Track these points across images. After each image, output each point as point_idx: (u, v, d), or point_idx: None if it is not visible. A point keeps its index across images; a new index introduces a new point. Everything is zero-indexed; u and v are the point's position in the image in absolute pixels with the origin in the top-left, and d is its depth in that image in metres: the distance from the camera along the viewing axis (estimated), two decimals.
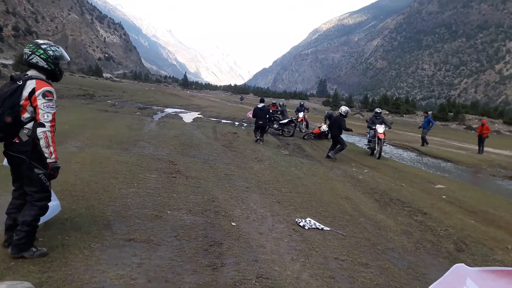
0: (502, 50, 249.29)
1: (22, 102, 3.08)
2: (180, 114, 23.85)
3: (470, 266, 4.27)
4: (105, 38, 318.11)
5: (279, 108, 20.42)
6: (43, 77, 3.23)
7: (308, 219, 5.36)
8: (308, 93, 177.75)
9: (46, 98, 3.08)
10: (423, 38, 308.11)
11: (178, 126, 16.16)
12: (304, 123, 21.35)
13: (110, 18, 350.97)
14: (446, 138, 30.83)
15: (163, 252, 3.71)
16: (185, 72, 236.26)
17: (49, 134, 3.07)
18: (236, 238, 4.31)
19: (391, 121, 14.44)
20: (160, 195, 5.55)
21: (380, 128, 13.81)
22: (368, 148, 15.16)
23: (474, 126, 48.73)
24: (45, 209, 3.31)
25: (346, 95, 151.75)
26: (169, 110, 26.17)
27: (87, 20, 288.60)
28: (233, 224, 4.75)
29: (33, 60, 3.20)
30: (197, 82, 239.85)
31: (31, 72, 3.23)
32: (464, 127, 51.02)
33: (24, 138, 3.11)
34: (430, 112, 62.89)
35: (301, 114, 20.92)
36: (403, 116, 63.87)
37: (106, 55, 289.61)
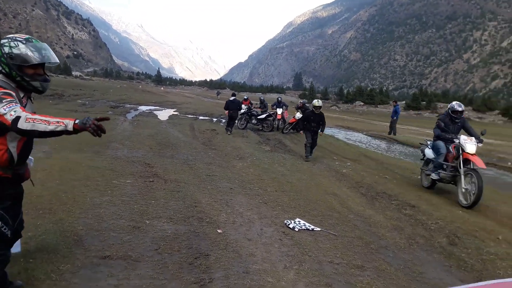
0: (469, 40, 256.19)
1: None
2: (155, 112, 23.26)
3: (465, 261, 4.11)
4: (73, 35, 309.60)
5: (257, 103, 19.98)
6: (11, 84, 2.41)
7: (297, 219, 5.10)
8: (285, 87, 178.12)
9: (4, 101, 2.23)
10: (395, 30, 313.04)
11: (153, 124, 15.65)
12: (281, 121, 18.43)
13: (78, 13, 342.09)
14: (421, 126, 31.25)
15: (143, 269, 3.36)
16: (158, 68, 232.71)
17: (36, 116, 2.16)
18: (223, 247, 4.00)
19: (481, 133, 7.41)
20: (137, 202, 5.17)
21: (469, 145, 7.00)
22: (431, 176, 7.50)
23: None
24: (4, 262, 2.57)
25: (322, 87, 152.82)
26: (143, 108, 25.50)
27: (52, 16, 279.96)
28: (219, 231, 4.43)
29: None
30: (171, 78, 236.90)
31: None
32: (437, 115, 51.95)
33: None
34: (402, 102, 64.02)
35: (279, 111, 18.30)
36: (377, 107, 64.71)
37: (75, 52, 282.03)
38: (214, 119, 21.70)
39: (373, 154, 13.05)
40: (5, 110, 2.20)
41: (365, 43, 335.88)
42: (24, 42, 2.39)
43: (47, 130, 2.13)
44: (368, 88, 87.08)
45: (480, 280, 3.73)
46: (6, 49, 2.37)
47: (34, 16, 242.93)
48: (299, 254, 4.01)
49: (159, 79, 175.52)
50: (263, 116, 17.69)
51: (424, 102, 59.97)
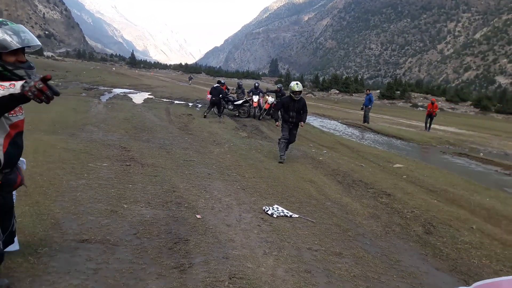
0: (443, 31, 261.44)
1: None
2: (130, 95, 22.75)
3: (441, 249, 4.23)
4: (44, 14, 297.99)
5: (233, 88, 19.59)
6: None
7: (275, 206, 5.12)
8: (260, 73, 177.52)
9: None
10: (371, 18, 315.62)
11: (128, 107, 15.33)
12: (257, 108, 17.87)
13: None
14: (395, 116, 31.85)
15: (122, 253, 3.31)
16: (132, 51, 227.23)
17: None
18: (202, 232, 3.97)
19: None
20: (114, 186, 5.06)
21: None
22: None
23: (419, 104, 50.93)
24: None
25: (298, 74, 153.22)
26: (117, 91, 24.91)
27: None
28: (198, 216, 4.40)
29: None
30: (145, 61, 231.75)
31: None
32: (410, 104, 53.18)
33: None
34: (377, 91, 65.01)
35: (255, 98, 17.54)
36: (352, 95, 65.49)
37: (46, 32, 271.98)
38: (190, 104, 21.42)
39: (349, 142, 13.23)
40: None
41: (341, 31, 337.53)
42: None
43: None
44: (344, 77, 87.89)
45: (455, 269, 3.85)
46: None
47: None
48: (278, 240, 4.03)
49: (133, 62, 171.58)
50: (240, 102, 17.49)
51: (398, 92, 61.07)
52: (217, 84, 16.94)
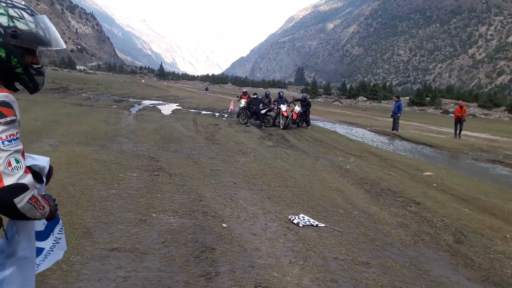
0: (474, 35, 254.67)
1: None
2: (158, 106, 23.26)
3: (472, 259, 4.11)
4: (77, 29, 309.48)
5: (259, 96, 19.36)
6: None
7: (301, 215, 5.11)
8: (286, 81, 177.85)
9: (2, 120, 1.32)
10: (398, 24, 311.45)
11: (157, 119, 15.66)
12: (287, 118, 16.89)
13: (82, 8, 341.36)
14: (425, 122, 31.17)
15: (150, 262, 3.39)
16: (161, 63, 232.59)
17: (37, 194, 1.39)
18: (228, 241, 4.01)
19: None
20: (143, 196, 5.19)
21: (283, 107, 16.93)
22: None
23: (450, 110, 49.57)
24: None
25: (324, 82, 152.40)
26: (146, 102, 25.50)
27: (57, 10, 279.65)
28: (224, 225, 4.45)
29: None
30: (173, 73, 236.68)
31: None
32: (441, 111, 51.90)
33: None
34: (406, 98, 63.79)
35: (283, 107, 16.84)
36: (380, 102, 64.56)
37: (79, 46, 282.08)
38: (217, 114, 21.69)
39: (377, 150, 13.03)
40: (3, 145, 1.31)
41: (368, 37, 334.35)
42: (29, 12, 1.49)
43: (34, 216, 1.40)
44: (371, 83, 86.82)
45: (487, 280, 3.73)
46: (3, 20, 1.42)
47: (39, 10, 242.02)
48: (303, 249, 4.03)
49: (162, 74, 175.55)
50: (263, 111, 17.52)
51: (428, 98, 59.79)
52: (255, 95, 18.61)
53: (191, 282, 3.12)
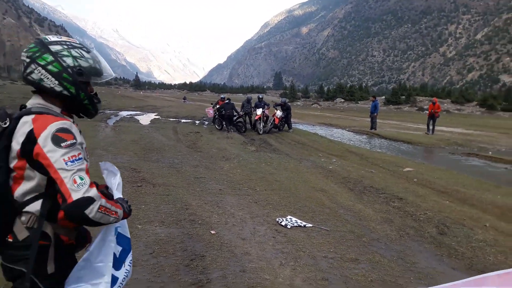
0: (445, 34, 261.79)
1: (13, 163, 1.53)
2: (136, 117, 23.02)
3: (455, 249, 4.22)
4: None
5: (231, 101, 18.85)
6: (55, 109, 1.63)
7: (288, 217, 5.14)
8: (265, 86, 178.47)
9: (62, 144, 1.47)
10: (371, 26, 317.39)
11: (135, 129, 15.50)
12: (263, 121, 17.26)
13: (51, 20, 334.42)
14: (402, 120, 31.76)
15: (139, 273, 3.35)
16: (137, 73, 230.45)
17: (105, 203, 1.51)
18: (218, 248, 4.01)
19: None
20: None
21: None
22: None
23: (425, 107, 50.68)
24: None
25: (302, 86, 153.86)
26: (123, 113, 25.18)
27: (25, 24, 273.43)
28: (213, 232, 4.44)
29: (33, 75, 1.59)
30: (150, 82, 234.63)
31: (31, 101, 1.65)
32: (416, 108, 52.98)
33: (22, 235, 1.55)
34: (382, 97, 64.96)
35: (259, 111, 16.95)
36: (358, 103, 65.47)
37: None
38: (197, 122, 21.60)
39: (357, 149, 13.22)
40: (67, 167, 1.45)
41: (342, 40, 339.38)
42: (85, 50, 1.70)
43: (107, 222, 1.55)
44: (348, 85, 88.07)
45: (471, 267, 3.83)
46: (69, 61, 1.61)
47: (6, 24, 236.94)
48: (293, 250, 4.05)
49: (138, 84, 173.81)
50: (234, 118, 17.46)
51: (404, 96, 60.98)
52: (227, 100, 17.82)
53: None
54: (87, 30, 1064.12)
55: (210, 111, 20.47)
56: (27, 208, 1.54)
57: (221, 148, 11.39)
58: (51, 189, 1.53)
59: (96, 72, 1.71)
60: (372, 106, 21.36)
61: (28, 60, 1.59)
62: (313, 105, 64.75)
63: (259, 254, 3.92)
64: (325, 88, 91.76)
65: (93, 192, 1.46)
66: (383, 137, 18.29)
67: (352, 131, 21.55)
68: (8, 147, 1.52)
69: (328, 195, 6.50)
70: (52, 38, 1.65)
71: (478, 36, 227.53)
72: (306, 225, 4.87)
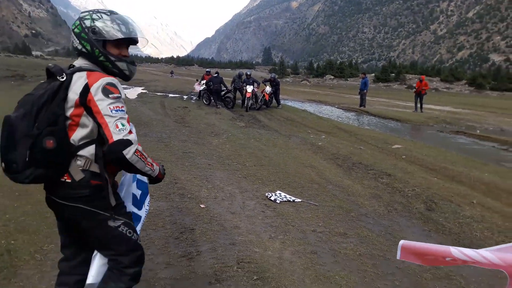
0: (436, 11, 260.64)
1: (70, 112, 1.74)
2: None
3: (443, 225, 4.29)
4: (29, 12, 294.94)
5: (219, 75, 18.25)
6: (97, 69, 1.88)
7: (278, 192, 5.15)
8: (254, 62, 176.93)
9: (110, 95, 1.72)
10: (363, 1, 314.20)
11: None
12: (254, 99, 16.66)
13: None
14: (391, 98, 31.91)
15: None
16: None
17: (142, 149, 1.75)
18: (207, 221, 4.00)
19: None
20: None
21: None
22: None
23: (414, 85, 50.89)
24: (138, 276, 1.99)
25: (291, 62, 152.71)
26: None
27: None
28: (202, 206, 4.43)
29: (72, 41, 1.91)
30: (136, 55, 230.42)
31: (77, 62, 1.92)
32: (406, 86, 53.18)
33: (78, 176, 1.76)
34: (372, 75, 64.91)
35: (249, 89, 16.20)
36: (347, 80, 65.37)
37: (33, 31, 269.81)
38: (185, 97, 21.37)
39: (346, 126, 13.26)
40: (112, 113, 1.69)
41: (333, 16, 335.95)
42: (108, 13, 1.92)
43: (143, 170, 1.77)
44: (338, 62, 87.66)
45: (458, 243, 3.89)
46: (88, 22, 1.86)
47: None
48: (282, 224, 4.07)
49: None
50: (223, 92, 17.04)
51: (393, 74, 61.03)
52: (216, 74, 17.25)
53: (173, 263, 3.10)
54: (71, 1, 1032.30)
55: (197, 87, 19.79)
56: (82, 152, 1.78)
57: (209, 124, 11.31)
58: (101, 136, 1.75)
59: (111, 32, 1.86)
60: (362, 83, 21.33)
61: (72, 28, 1.92)
62: (303, 82, 64.47)
63: (249, 227, 3.93)
64: (315, 65, 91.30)
65: (132, 137, 1.69)
66: (372, 115, 18.36)
67: (341, 108, 21.58)
68: (65, 98, 1.74)
69: (317, 171, 6.52)
70: (89, 10, 1.93)
71: (470, 14, 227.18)
72: (295, 200, 4.89)
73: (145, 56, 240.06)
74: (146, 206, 2.31)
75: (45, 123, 1.67)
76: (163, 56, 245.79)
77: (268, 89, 17.14)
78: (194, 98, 20.69)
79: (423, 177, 6.39)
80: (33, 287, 2.66)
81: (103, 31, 1.85)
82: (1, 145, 1.66)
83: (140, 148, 1.72)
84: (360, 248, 3.63)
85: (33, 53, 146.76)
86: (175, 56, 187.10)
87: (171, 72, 57.72)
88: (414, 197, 5.29)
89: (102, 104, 1.69)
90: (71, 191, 1.77)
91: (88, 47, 1.85)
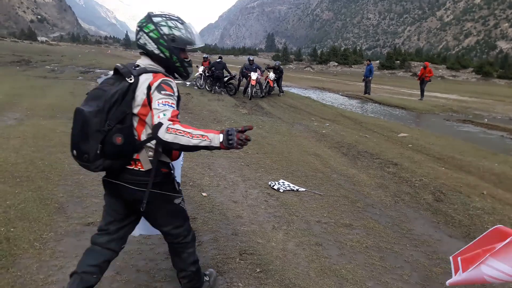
0: None
1: (137, 110, 1.93)
2: None
3: (452, 216, 4.18)
4: None
5: (222, 61, 17.68)
6: (160, 69, 2.06)
7: (281, 180, 5.04)
8: (257, 48, 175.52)
9: (162, 92, 1.88)
10: None
11: None
12: (257, 87, 16.10)
13: None
14: (396, 85, 31.57)
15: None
16: (127, 31, 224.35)
17: (178, 126, 1.76)
18: (209, 210, 3.90)
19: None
20: None
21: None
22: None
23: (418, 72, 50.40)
24: (195, 236, 2.36)
25: (295, 48, 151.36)
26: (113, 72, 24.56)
27: None
28: (204, 194, 4.33)
29: (140, 41, 2.05)
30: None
31: (142, 62, 2.09)
32: (411, 74, 52.64)
33: (147, 166, 1.98)
34: (377, 62, 64.27)
35: (254, 76, 15.53)
36: (351, 67, 64.80)
37: (39, 16, 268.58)
38: (187, 83, 21.15)
39: (351, 114, 13.07)
40: (159, 106, 1.83)
41: (337, 1, 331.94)
42: (180, 22, 2.11)
43: (191, 144, 1.78)
44: (342, 48, 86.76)
45: (468, 235, 3.78)
46: (165, 30, 2.03)
47: None
48: (286, 214, 3.96)
49: (128, 43, 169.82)
50: (226, 79, 16.80)
51: (398, 61, 60.40)
52: (219, 59, 17.10)
53: None
54: None
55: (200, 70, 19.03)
56: (149, 144, 1.97)
57: (212, 110, 11.16)
58: None
59: (186, 41, 2.09)
60: (367, 69, 21.03)
61: (138, 28, 2.06)
62: (306, 69, 63.97)
63: (251, 217, 3.83)
64: (319, 51, 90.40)
65: (165, 120, 1.77)
66: (377, 102, 18.15)
67: (345, 96, 21.35)
68: (132, 98, 1.92)
69: (321, 160, 6.39)
70: (156, 12, 2.09)
71: (477, 0, 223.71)
72: (299, 189, 4.78)
73: None
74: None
75: (115, 120, 1.86)
76: None
77: (271, 75, 16.81)
78: (198, 84, 20.45)
79: (430, 166, 6.26)
80: (31, 277, 2.58)
81: (181, 40, 2.06)
82: (73, 135, 1.84)
83: (171, 124, 1.75)
84: (366, 240, 3.52)
85: (39, 38, 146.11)
86: None
87: None
88: (422, 187, 5.16)
89: (154, 99, 1.86)
90: (141, 178, 1.98)
91: (167, 54, 2.05)
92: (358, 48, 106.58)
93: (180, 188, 2.23)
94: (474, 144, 8.93)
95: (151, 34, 2.02)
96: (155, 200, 2.03)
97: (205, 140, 1.77)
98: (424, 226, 3.98)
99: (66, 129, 6.90)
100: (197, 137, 1.76)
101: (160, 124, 1.75)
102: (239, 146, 1.80)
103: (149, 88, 1.90)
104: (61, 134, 6.49)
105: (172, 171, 2.12)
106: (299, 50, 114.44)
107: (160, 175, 2.02)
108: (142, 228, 2.40)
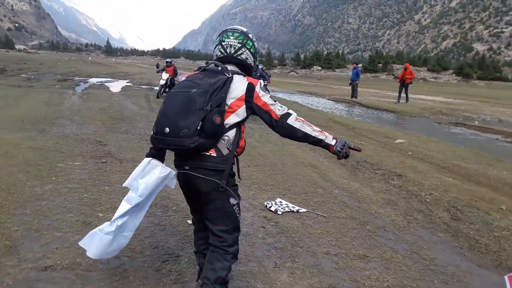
0: (420, 1, 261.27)
1: (231, 101, 2.10)
2: (106, 84, 21.61)
3: (476, 239, 3.62)
4: (12, 5, 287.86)
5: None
6: (243, 73, 2.28)
7: (278, 200, 4.42)
8: None
9: (264, 92, 2.17)
10: None
11: (104, 97, 14.34)
12: None
13: None
14: (380, 88, 31.44)
15: (96, 282, 2.57)
16: (108, 39, 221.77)
17: (301, 118, 2.18)
18: None
19: None
20: (87, 190, 4.28)
21: None
22: None
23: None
24: (237, 253, 2.27)
25: (278, 53, 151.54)
26: (93, 80, 23.65)
27: None
28: (189, 222, 3.67)
29: (242, 56, 2.26)
30: (122, 48, 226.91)
31: (232, 68, 2.24)
32: (393, 77, 52.78)
33: (225, 152, 2.08)
34: (360, 65, 64.50)
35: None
36: (335, 71, 64.84)
37: (16, 24, 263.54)
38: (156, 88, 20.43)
39: (342, 119, 12.57)
40: (272, 101, 2.14)
41: (318, 6, 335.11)
42: (255, 39, 2.39)
43: (312, 134, 2.13)
44: (325, 53, 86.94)
45: (501, 265, 3.22)
46: (256, 45, 2.34)
47: None
48: (288, 245, 3.34)
49: (110, 50, 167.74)
50: None
51: (380, 64, 60.67)
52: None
53: None
54: None
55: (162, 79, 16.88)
56: (228, 134, 2.08)
57: None
58: (241, 123, 2.15)
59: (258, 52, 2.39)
60: (353, 73, 20.64)
61: (240, 45, 2.25)
62: (290, 73, 63.72)
63: (248, 251, 3.19)
64: (302, 56, 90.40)
65: (291, 111, 2.14)
66: (365, 106, 17.74)
67: (332, 100, 20.92)
68: (228, 90, 2.08)
69: (319, 172, 5.81)
70: (244, 29, 2.31)
71: (453, 4, 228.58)
72: (300, 210, 4.17)
73: (131, 49, 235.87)
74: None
75: (216, 103, 1.99)
76: (149, 49, 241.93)
77: (261, 81, 16.29)
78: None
79: (437, 177, 5.72)
80: None
81: (257, 51, 2.36)
82: (168, 114, 2.03)
83: (297, 115, 2.14)
84: (386, 277, 2.92)
85: (16, 46, 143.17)
86: (161, 49, 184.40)
87: (157, 66, 55.69)
88: (434, 203, 4.60)
89: (264, 97, 2.12)
90: (214, 164, 2.05)
91: (256, 63, 2.37)
92: (340, 52, 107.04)
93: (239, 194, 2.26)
94: (475, 149, 8.46)
95: (251, 49, 2.29)
96: (215, 190, 2.09)
97: (322, 134, 2.17)
98: (447, 253, 3.40)
99: (33, 144, 6.17)
100: (317, 130, 2.17)
101: (289, 114, 2.11)
102: (342, 157, 2.20)
103: (251, 88, 2.12)
104: (26, 150, 5.76)
105: (238, 163, 2.33)
106: (282, 54, 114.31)
107: (230, 166, 2.10)
108: (95, 252, 2.32)
